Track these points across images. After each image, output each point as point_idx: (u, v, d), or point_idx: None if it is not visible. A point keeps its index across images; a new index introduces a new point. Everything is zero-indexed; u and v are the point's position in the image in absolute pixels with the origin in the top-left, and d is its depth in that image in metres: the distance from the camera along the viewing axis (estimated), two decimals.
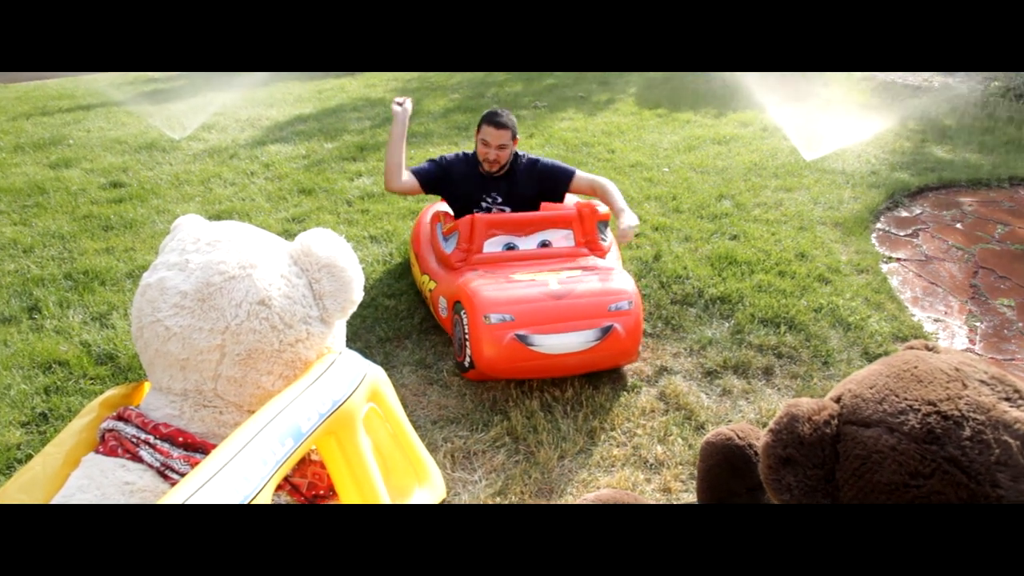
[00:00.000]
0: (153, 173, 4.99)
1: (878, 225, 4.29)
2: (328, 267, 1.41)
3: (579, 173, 3.18)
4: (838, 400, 1.09)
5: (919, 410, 0.97)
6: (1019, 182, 5.02)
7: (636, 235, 2.90)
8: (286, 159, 5.33)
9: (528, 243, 2.94)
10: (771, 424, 1.08)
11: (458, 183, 3.14)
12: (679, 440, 2.40)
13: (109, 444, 1.28)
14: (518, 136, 3.10)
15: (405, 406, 2.43)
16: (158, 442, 1.26)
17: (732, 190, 4.67)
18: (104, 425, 1.32)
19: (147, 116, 6.57)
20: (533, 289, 2.55)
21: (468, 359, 2.52)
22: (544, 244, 2.95)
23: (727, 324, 3.11)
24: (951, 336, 3.15)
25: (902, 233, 4.19)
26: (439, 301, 2.84)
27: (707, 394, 2.67)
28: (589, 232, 2.98)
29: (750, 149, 5.63)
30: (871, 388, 1.05)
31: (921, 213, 4.49)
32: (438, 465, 1.98)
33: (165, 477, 1.24)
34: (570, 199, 3.30)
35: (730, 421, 2.51)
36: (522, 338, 2.42)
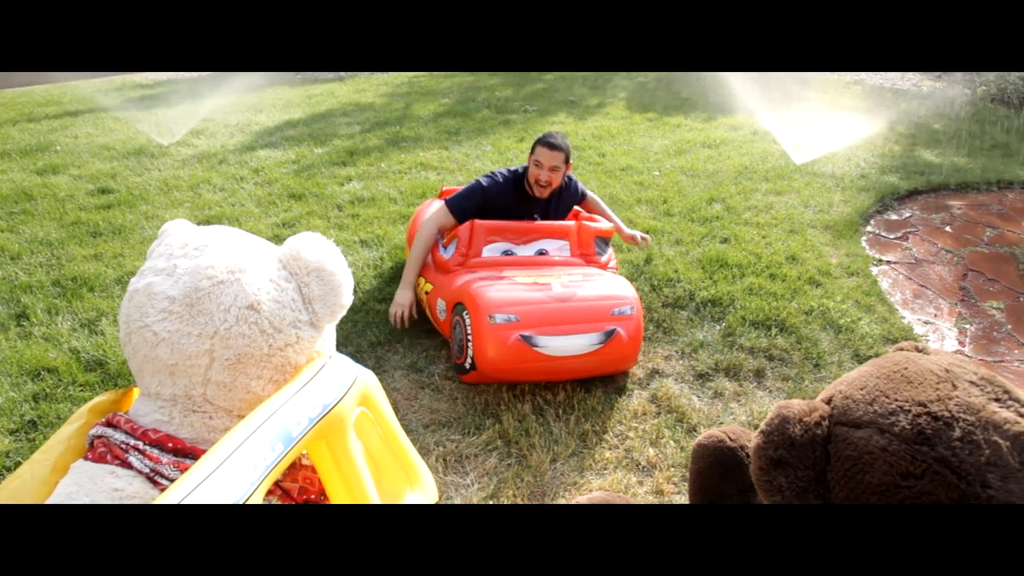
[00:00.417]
0: (142, 179, 4.97)
1: (868, 228, 4.32)
2: (317, 271, 1.40)
3: (588, 194, 3.40)
4: (829, 401, 1.09)
5: (909, 411, 0.98)
6: (1007, 186, 5.06)
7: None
8: (276, 164, 5.31)
9: (525, 251, 2.95)
10: (762, 426, 1.08)
11: (497, 208, 3.06)
12: (671, 443, 2.40)
13: (98, 450, 1.26)
14: (571, 161, 3.07)
15: (397, 410, 2.43)
16: (147, 448, 1.25)
17: (722, 194, 4.68)
18: (93, 431, 1.31)
19: (135, 122, 6.54)
20: (537, 291, 2.55)
21: (469, 360, 2.51)
22: (541, 253, 2.96)
23: (718, 327, 3.12)
24: (941, 338, 3.16)
25: (892, 236, 4.21)
26: (437, 303, 2.83)
27: (699, 396, 2.67)
28: (586, 246, 2.99)
29: (740, 153, 5.65)
30: (861, 389, 1.05)
31: (911, 216, 4.52)
32: (430, 469, 1.97)
33: (155, 483, 1.23)
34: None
35: (722, 423, 2.52)
36: (527, 339, 2.41)
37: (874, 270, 3.74)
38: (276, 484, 1.41)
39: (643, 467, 2.31)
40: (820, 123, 6.52)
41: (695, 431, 2.46)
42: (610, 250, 3.16)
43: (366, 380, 1.50)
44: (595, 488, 2.22)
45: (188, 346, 1.27)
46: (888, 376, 1.05)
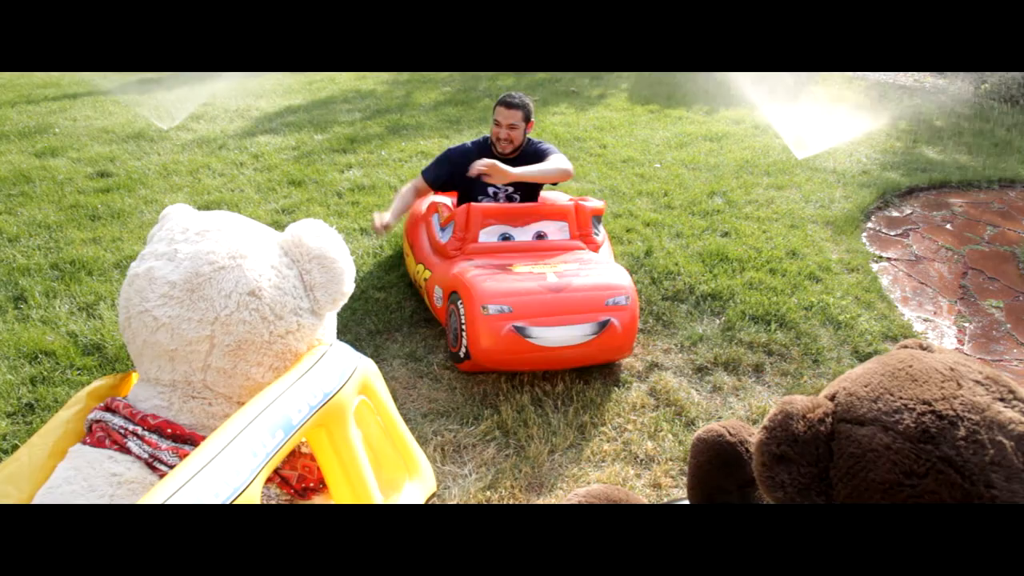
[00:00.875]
0: (141, 163, 4.94)
1: (869, 224, 4.31)
2: (319, 258, 1.40)
3: (555, 153, 3.15)
4: (832, 398, 1.08)
5: (914, 409, 0.97)
6: (1008, 184, 5.06)
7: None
8: (276, 150, 5.29)
9: (523, 234, 2.94)
10: (765, 421, 1.08)
11: (462, 171, 3.10)
12: (669, 436, 2.40)
13: (96, 435, 1.26)
14: (532, 120, 3.15)
15: (395, 399, 2.42)
16: (146, 433, 1.25)
17: (724, 187, 4.67)
18: (91, 416, 1.31)
19: (135, 105, 6.50)
20: (531, 281, 2.55)
21: (464, 350, 2.51)
22: (539, 236, 2.95)
23: (718, 321, 3.12)
24: (940, 336, 3.16)
25: (892, 233, 4.21)
26: (434, 291, 2.82)
27: (697, 390, 2.67)
28: (584, 226, 2.98)
29: (742, 146, 5.64)
30: (866, 386, 1.04)
31: (911, 213, 4.51)
32: (428, 459, 1.97)
33: (153, 469, 1.22)
34: (566, 195, 3.33)
35: (720, 418, 2.51)
36: (520, 330, 2.41)
37: (874, 266, 3.73)
38: (275, 472, 1.41)
39: (641, 460, 2.31)
40: (822, 118, 6.50)
41: (694, 425, 2.46)
42: (602, 228, 3.17)
43: (366, 369, 1.49)
44: (593, 480, 2.22)
45: (188, 332, 1.26)
46: (893, 373, 1.04)
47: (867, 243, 4.03)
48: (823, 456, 1.03)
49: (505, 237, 2.91)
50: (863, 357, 2.86)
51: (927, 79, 8.76)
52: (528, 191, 3.21)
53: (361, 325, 2.99)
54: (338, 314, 1.59)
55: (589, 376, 2.70)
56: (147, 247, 1.38)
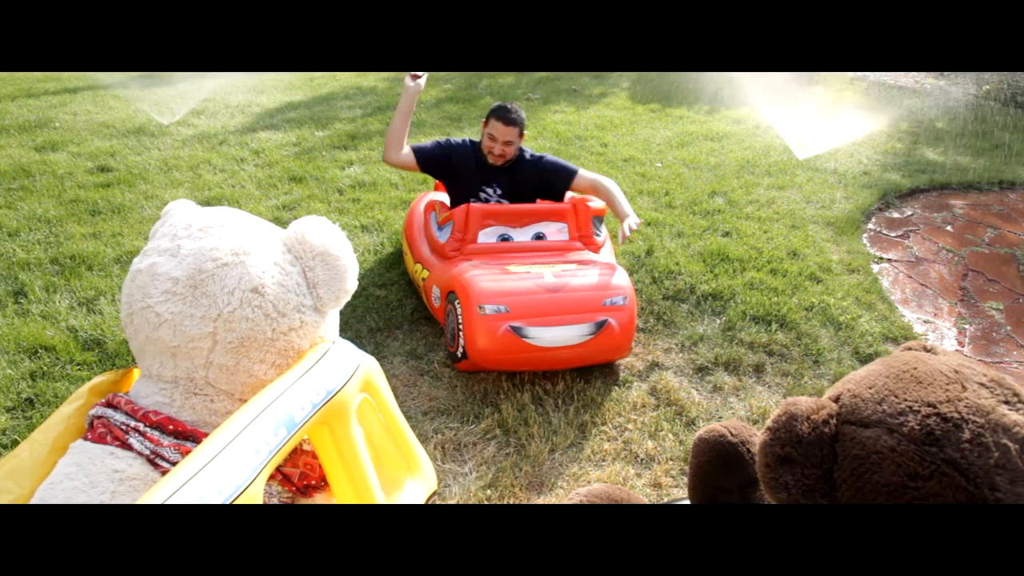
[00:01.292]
0: (141, 158, 4.93)
1: (869, 225, 4.31)
2: (323, 255, 1.39)
3: (581, 172, 3.12)
4: (836, 399, 1.08)
5: (919, 411, 0.97)
6: (1009, 186, 5.06)
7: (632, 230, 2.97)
8: (276, 146, 5.28)
9: (522, 235, 2.93)
10: (769, 422, 1.08)
11: (458, 170, 3.11)
12: (670, 435, 2.40)
13: (98, 431, 1.26)
14: (525, 132, 3.08)
15: (396, 397, 2.42)
16: (148, 430, 1.24)
17: (725, 187, 4.67)
18: (93, 412, 1.30)
19: (135, 100, 6.48)
20: (528, 281, 2.54)
21: (461, 349, 2.51)
22: (538, 237, 2.94)
23: (719, 321, 3.12)
24: (940, 338, 3.16)
25: (893, 234, 4.21)
26: (432, 290, 2.82)
27: (698, 390, 2.67)
28: (583, 227, 2.97)
29: (743, 146, 5.63)
30: (870, 388, 1.04)
31: (912, 215, 4.51)
32: (428, 456, 1.97)
33: (155, 465, 1.22)
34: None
35: (721, 418, 2.51)
36: (516, 330, 2.41)
37: (875, 268, 3.73)
38: (277, 469, 1.40)
39: (641, 459, 2.31)
40: (823, 119, 6.50)
41: (694, 424, 2.46)
42: (604, 229, 3.15)
43: (369, 367, 1.49)
44: (593, 480, 2.22)
45: (191, 328, 1.26)
46: (898, 376, 1.04)
47: (868, 244, 4.03)
48: (827, 458, 1.03)
49: (504, 238, 2.90)
50: (863, 358, 2.86)
51: (928, 80, 8.76)
52: (522, 202, 3.15)
53: (362, 323, 2.98)
54: (339, 312, 1.59)
55: (590, 375, 2.70)
56: (150, 243, 1.38)
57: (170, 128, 5.65)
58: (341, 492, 1.37)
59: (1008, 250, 4.03)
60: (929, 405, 0.97)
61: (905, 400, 1.00)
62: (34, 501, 1.19)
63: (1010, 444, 0.93)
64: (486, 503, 2.09)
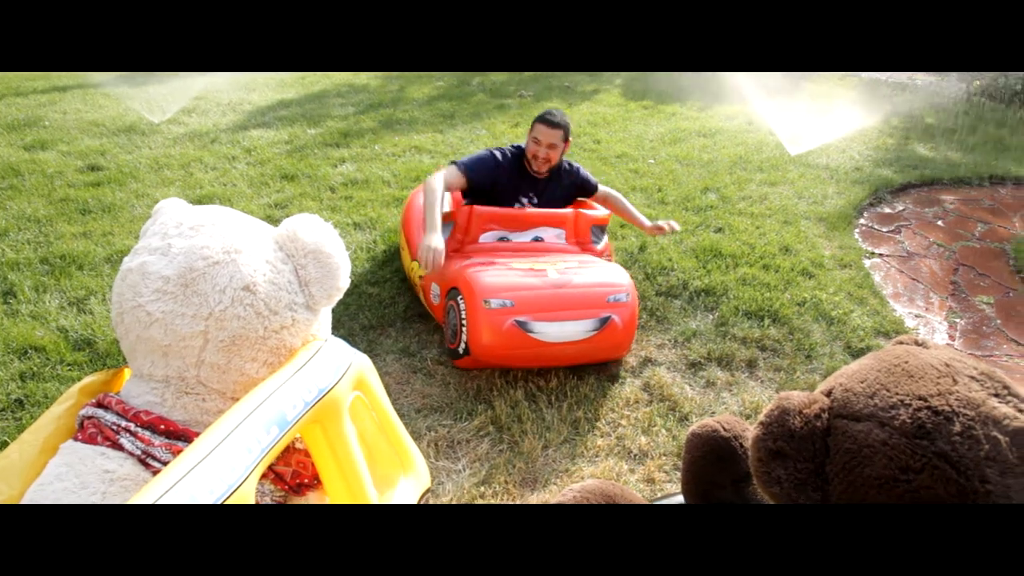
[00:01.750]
0: (132, 157, 4.91)
1: (861, 221, 4.32)
2: (315, 253, 1.39)
3: (600, 187, 3.30)
4: (828, 394, 1.08)
5: (910, 405, 0.97)
6: (999, 181, 5.08)
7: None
8: (268, 144, 5.26)
9: (521, 238, 2.93)
10: (761, 417, 1.08)
11: (500, 183, 3.05)
12: (663, 431, 2.41)
13: (88, 431, 1.25)
14: (570, 139, 3.06)
15: (388, 395, 2.42)
16: (139, 430, 1.24)
17: (717, 183, 4.68)
18: (83, 412, 1.29)
19: (126, 98, 6.45)
20: (533, 277, 2.54)
21: (463, 345, 2.50)
22: (536, 240, 2.94)
23: (711, 316, 3.12)
24: (931, 332, 3.18)
25: (885, 229, 4.22)
26: (431, 288, 2.81)
27: (691, 385, 2.68)
28: (582, 234, 2.98)
29: (735, 142, 5.65)
30: (862, 382, 1.05)
31: (903, 210, 4.53)
32: (422, 454, 1.97)
33: (146, 465, 1.21)
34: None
35: (713, 413, 2.52)
36: (522, 324, 2.41)
37: (866, 263, 3.75)
38: (269, 468, 1.40)
39: (635, 455, 2.31)
40: (815, 115, 6.52)
41: (687, 420, 2.46)
42: (605, 238, 3.16)
43: (361, 364, 1.49)
44: (587, 475, 2.22)
45: (182, 327, 1.25)
46: (889, 369, 1.04)
47: (859, 239, 4.05)
48: (819, 452, 1.03)
49: (503, 240, 2.90)
50: (855, 353, 2.87)
51: (919, 77, 8.79)
52: (554, 207, 3.14)
53: (354, 320, 2.98)
54: (332, 309, 1.58)
55: (583, 372, 2.70)
56: (140, 241, 1.37)
57: (161, 126, 5.62)
58: (334, 490, 1.37)
59: (998, 244, 4.05)
60: (920, 399, 0.98)
61: (896, 394, 1.00)
62: (24, 502, 1.18)
63: (1000, 436, 0.94)
64: (480, 503, 2.09)
